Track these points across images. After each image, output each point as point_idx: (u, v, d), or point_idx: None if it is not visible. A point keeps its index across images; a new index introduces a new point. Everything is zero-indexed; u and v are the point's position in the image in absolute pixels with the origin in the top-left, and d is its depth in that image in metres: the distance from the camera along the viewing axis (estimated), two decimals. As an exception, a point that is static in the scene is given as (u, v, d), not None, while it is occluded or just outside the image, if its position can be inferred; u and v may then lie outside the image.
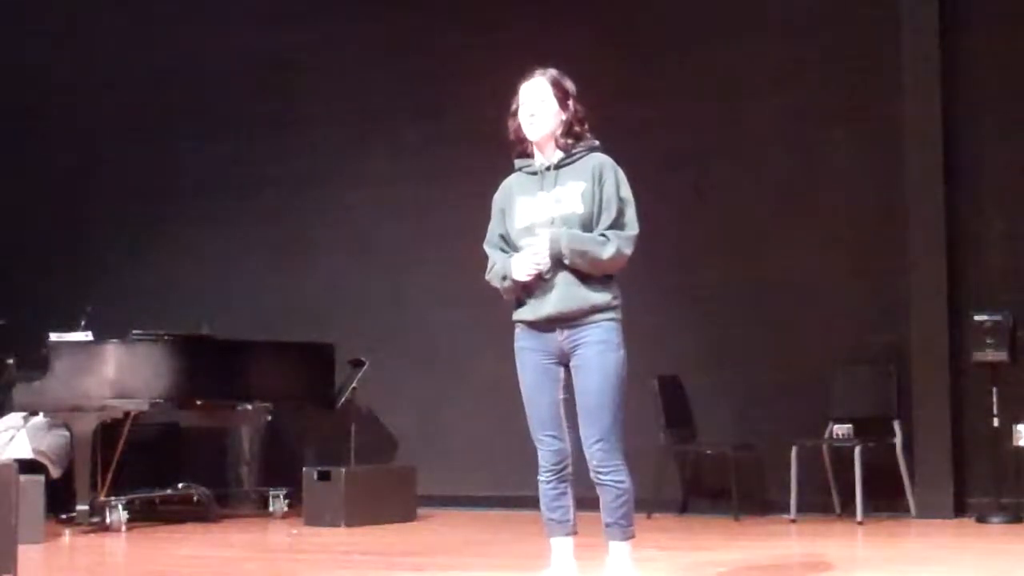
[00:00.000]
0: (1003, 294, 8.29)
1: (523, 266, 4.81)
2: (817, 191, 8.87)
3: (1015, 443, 8.24)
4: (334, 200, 10.05)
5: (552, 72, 4.98)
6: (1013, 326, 8.10)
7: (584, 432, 4.80)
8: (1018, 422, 8.23)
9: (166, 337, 8.41)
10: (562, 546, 4.92)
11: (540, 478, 4.90)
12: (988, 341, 8.07)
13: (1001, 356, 8.06)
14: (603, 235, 4.81)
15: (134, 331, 8.35)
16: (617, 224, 4.83)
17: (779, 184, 8.94)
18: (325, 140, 10.13)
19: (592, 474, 4.80)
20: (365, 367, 9.06)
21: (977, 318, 8.11)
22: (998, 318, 8.08)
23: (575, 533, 4.93)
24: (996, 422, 8.13)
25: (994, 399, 8.12)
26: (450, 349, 9.54)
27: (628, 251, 4.83)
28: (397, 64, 9.97)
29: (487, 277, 5.02)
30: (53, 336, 8.25)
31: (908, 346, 8.43)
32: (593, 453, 4.78)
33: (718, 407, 8.82)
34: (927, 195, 8.43)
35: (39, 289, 10.32)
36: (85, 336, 8.32)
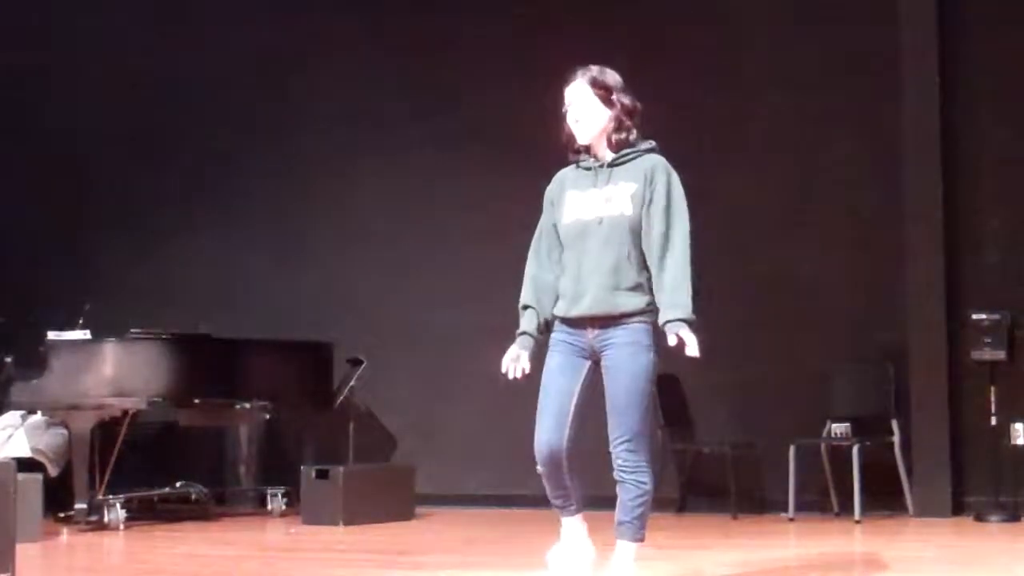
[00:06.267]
0: (1001, 293, 8.29)
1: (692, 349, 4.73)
2: (815, 190, 8.88)
3: (1013, 442, 8.25)
4: (333, 199, 10.05)
5: (591, 71, 4.99)
6: (1011, 325, 8.11)
7: (612, 431, 4.81)
8: (1016, 421, 8.24)
9: (164, 336, 8.40)
10: (571, 523, 4.98)
11: (538, 470, 4.90)
12: (986, 340, 8.08)
13: (999, 355, 8.07)
14: (665, 264, 4.78)
15: (132, 330, 8.35)
16: (668, 220, 4.82)
17: (777, 183, 8.95)
18: (324, 139, 10.13)
19: (616, 472, 4.82)
20: (363, 366, 9.07)
21: (975, 317, 8.12)
22: (996, 317, 8.09)
23: (581, 511, 4.96)
24: (994, 421, 8.14)
25: (992, 398, 8.13)
26: (449, 348, 9.53)
27: (688, 247, 4.81)
28: (397, 63, 9.97)
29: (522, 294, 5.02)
30: (51, 334, 8.24)
31: (906, 345, 8.43)
32: (619, 452, 4.79)
33: (716, 406, 8.82)
34: (925, 194, 8.44)
35: (37, 287, 10.31)
36: (83, 334, 8.31)
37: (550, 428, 4.84)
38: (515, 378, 4.92)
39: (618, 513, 4.85)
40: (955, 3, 8.56)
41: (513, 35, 9.58)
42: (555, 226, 4.98)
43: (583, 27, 9.35)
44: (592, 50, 9.32)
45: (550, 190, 5.06)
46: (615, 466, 4.81)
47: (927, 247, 8.41)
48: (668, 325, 4.73)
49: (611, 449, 4.81)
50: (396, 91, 9.95)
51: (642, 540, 4.88)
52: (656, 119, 8.95)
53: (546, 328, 4.96)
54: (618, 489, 4.82)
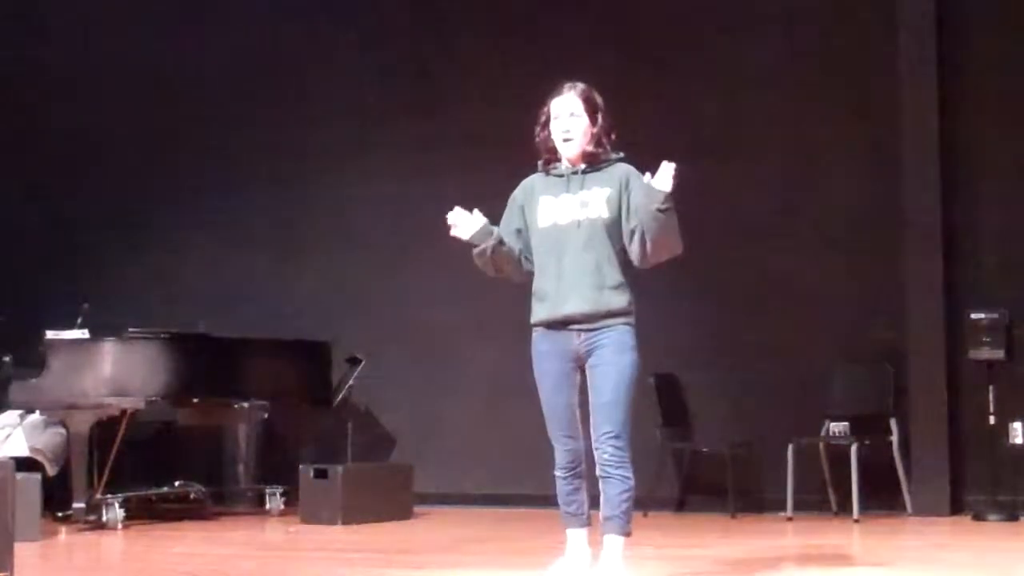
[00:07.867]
0: (999, 292, 8.30)
1: (665, 177, 4.89)
2: (814, 189, 8.88)
3: (1011, 441, 8.26)
4: (331, 198, 10.04)
5: (581, 86, 5.10)
6: (1009, 324, 8.11)
7: (596, 426, 4.93)
8: (1014, 420, 8.24)
9: (163, 335, 8.39)
10: (577, 537, 5.10)
11: (556, 474, 5.07)
12: (985, 339, 8.08)
13: (998, 354, 8.07)
14: None
15: (131, 329, 8.34)
16: None
17: (776, 182, 8.94)
18: (322, 138, 10.12)
19: (600, 468, 4.93)
20: (362, 365, 9.07)
21: (974, 316, 8.12)
22: (995, 316, 8.09)
23: (589, 525, 5.10)
24: (992, 420, 8.15)
25: (990, 397, 8.13)
26: (447, 347, 9.53)
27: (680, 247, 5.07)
28: (396, 63, 9.97)
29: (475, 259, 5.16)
30: (50, 334, 8.24)
31: (905, 344, 8.44)
32: (605, 447, 4.91)
33: (715, 405, 8.82)
34: (923, 193, 8.44)
35: (36, 286, 10.31)
36: (82, 334, 8.30)
37: (569, 439, 5.01)
38: (451, 225, 5.15)
39: (604, 508, 4.95)
40: (955, 3, 8.56)
41: (512, 34, 9.58)
42: (518, 230, 5.13)
43: (582, 26, 9.36)
44: (591, 48, 9.39)
45: (518, 195, 5.19)
46: (599, 461, 4.93)
47: (926, 246, 8.41)
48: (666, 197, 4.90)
49: (595, 445, 4.93)
50: (395, 91, 9.94)
51: (629, 534, 4.98)
52: (656, 119, 9.04)
53: (500, 243, 5.08)
54: (602, 485, 4.94)
